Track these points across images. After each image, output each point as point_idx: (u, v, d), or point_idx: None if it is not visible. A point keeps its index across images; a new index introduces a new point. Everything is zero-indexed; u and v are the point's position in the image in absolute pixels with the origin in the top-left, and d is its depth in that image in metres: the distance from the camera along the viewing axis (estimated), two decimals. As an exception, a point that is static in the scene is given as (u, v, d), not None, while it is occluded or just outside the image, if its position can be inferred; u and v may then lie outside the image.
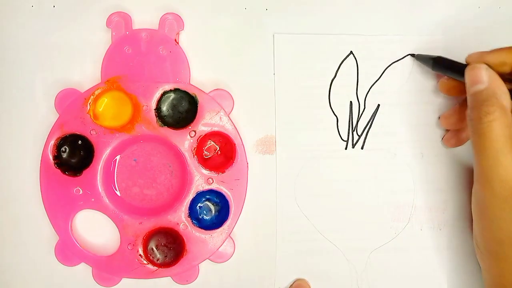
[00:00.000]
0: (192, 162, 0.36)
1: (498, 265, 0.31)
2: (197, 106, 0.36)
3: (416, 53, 0.38)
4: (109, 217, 0.36)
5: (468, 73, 0.31)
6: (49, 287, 0.36)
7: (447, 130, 0.38)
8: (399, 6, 0.38)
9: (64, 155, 0.36)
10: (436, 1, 0.38)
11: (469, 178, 0.38)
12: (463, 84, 0.32)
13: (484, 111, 0.29)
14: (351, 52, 0.38)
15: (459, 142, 0.37)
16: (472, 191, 0.32)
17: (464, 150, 0.38)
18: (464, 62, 0.33)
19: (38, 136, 0.36)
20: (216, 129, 0.36)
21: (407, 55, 0.38)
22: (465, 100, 0.32)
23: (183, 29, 0.37)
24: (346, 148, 0.38)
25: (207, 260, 0.36)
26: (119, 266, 0.36)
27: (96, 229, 0.36)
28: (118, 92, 0.35)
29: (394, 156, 0.38)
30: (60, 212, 0.36)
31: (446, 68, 0.34)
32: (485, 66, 0.31)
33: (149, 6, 0.37)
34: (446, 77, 0.36)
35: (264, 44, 0.38)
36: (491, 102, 0.29)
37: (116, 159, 0.37)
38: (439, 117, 0.38)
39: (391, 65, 0.38)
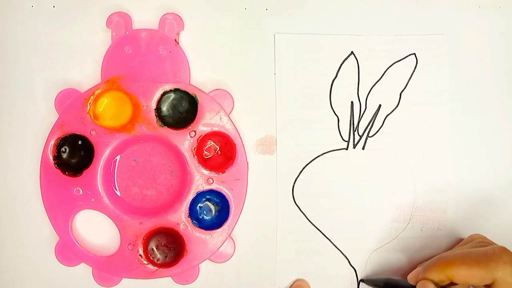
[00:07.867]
0: (192, 162, 0.36)
1: None
2: (197, 106, 0.36)
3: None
4: (109, 217, 0.36)
5: None
6: (49, 287, 0.36)
7: None
8: (399, 6, 0.38)
9: (64, 155, 0.36)
10: (437, 1, 0.38)
11: (469, 179, 0.38)
12: None
13: None
14: (351, 52, 0.38)
15: None
16: None
17: (465, 151, 0.38)
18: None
19: (38, 136, 0.36)
20: (216, 129, 0.36)
21: (408, 55, 0.38)
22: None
23: (183, 29, 0.37)
24: (347, 149, 0.38)
25: (207, 260, 0.36)
26: (119, 266, 0.36)
27: (96, 229, 0.36)
28: (118, 92, 0.35)
29: (395, 156, 0.38)
30: (60, 212, 0.36)
31: None
32: (432, 284, 0.32)
33: (149, 6, 0.37)
34: None
35: (264, 44, 0.37)
36: None
37: (116, 159, 0.37)
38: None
39: (392, 65, 0.38)
